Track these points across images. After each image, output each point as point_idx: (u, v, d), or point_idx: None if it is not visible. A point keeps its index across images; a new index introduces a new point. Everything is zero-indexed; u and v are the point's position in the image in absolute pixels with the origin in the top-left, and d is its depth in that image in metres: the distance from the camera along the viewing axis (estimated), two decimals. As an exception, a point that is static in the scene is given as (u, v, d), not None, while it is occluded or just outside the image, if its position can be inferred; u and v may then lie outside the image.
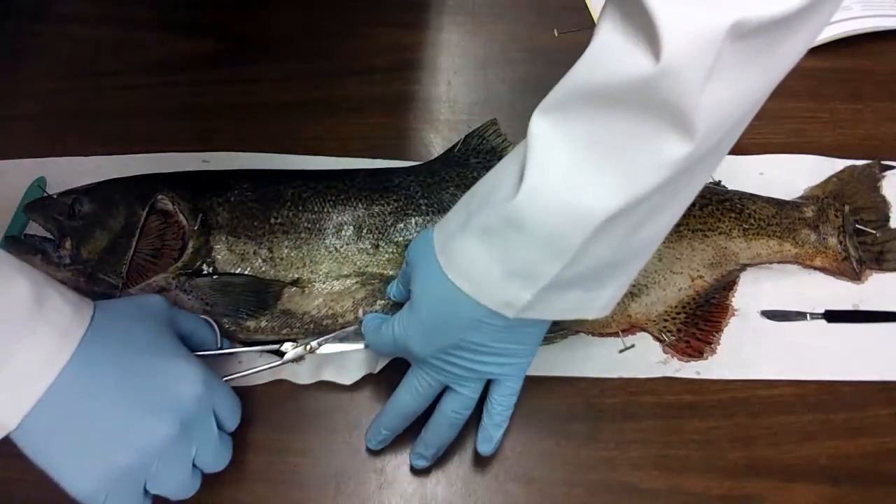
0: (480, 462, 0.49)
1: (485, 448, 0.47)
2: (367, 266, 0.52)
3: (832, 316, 0.55)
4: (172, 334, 0.43)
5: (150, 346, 0.41)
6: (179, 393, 0.39)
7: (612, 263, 0.39)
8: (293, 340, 0.51)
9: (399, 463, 0.49)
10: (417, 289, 0.43)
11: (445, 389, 0.46)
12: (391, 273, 0.51)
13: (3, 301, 0.36)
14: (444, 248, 0.42)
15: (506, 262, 0.39)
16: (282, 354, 0.50)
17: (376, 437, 0.48)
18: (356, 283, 0.51)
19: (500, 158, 0.56)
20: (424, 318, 0.43)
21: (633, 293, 0.53)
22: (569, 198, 0.36)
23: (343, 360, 0.52)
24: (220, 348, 0.49)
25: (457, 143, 0.57)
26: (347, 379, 0.51)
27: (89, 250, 0.51)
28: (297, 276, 0.51)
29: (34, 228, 0.55)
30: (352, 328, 0.50)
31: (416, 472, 0.49)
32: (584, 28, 0.70)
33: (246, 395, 0.50)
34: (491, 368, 0.44)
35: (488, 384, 0.46)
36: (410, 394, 0.46)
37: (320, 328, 0.51)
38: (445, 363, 0.43)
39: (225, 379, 0.47)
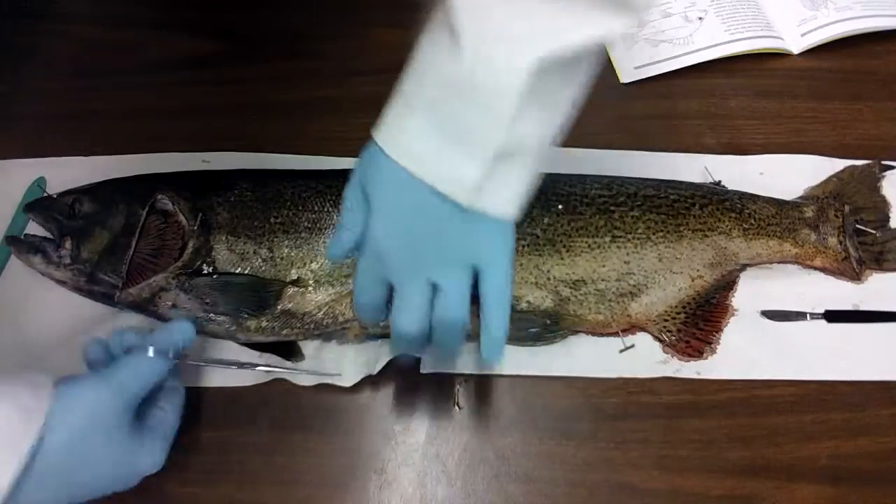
0: (480, 462, 0.49)
1: (490, 351, 0.42)
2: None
3: (832, 316, 0.55)
4: (131, 425, 0.42)
5: (105, 460, 0.40)
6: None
7: (529, 145, 0.40)
8: (291, 343, 0.51)
9: (399, 463, 0.49)
10: (378, 196, 0.41)
11: (435, 295, 0.42)
12: None
13: None
14: (390, 138, 0.40)
15: (451, 131, 0.38)
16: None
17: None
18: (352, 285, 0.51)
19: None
20: (392, 223, 0.41)
21: (632, 293, 0.53)
22: (510, 43, 0.36)
23: (342, 363, 0.52)
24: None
25: (457, 143, 0.57)
26: (347, 381, 0.51)
27: (89, 250, 0.51)
28: (297, 275, 0.51)
29: (34, 229, 0.56)
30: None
31: (416, 472, 0.49)
32: (584, 28, 0.70)
33: (247, 394, 0.50)
34: (471, 256, 0.41)
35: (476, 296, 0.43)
36: (407, 313, 0.42)
37: (321, 328, 0.51)
38: (427, 258, 0.41)
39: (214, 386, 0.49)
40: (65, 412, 0.38)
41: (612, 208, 0.54)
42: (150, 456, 0.42)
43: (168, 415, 0.44)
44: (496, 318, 0.42)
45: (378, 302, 0.44)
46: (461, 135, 0.38)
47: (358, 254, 0.43)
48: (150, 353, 0.43)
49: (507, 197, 0.40)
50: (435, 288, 0.42)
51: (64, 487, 0.38)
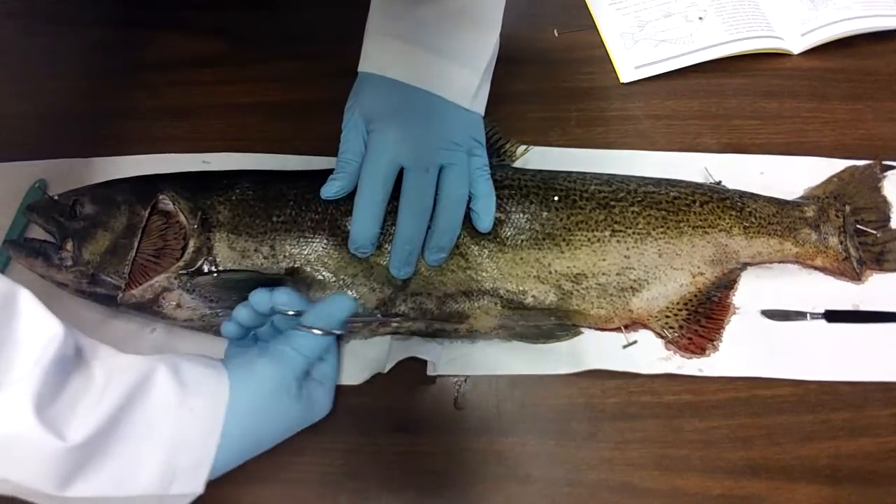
0: (480, 462, 0.49)
1: (485, 211, 0.51)
2: (371, 266, 0.52)
3: (832, 316, 0.55)
4: (300, 388, 0.45)
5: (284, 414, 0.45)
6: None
7: (495, 54, 0.55)
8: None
9: (399, 463, 0.49)
10: (386, 108, 0.51)
11: (441, 174, 0.50)
12: (392, 274, 0.51)
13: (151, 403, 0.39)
14: (384, 64, 0.52)
15: (446, 50, 0.51)
16: None
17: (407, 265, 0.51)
18: (360, 283, 0.51)
19: (499, 157, 0.57)
20: (410, 125, 0.50)
21: (633, 287, 0.53)
22: None
23: (352, 360, 0.52)
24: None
25: (457, 143, 0.57)
26: (357, 379, 0.51)
27: (91, 251, 0.51)
28: (293, 265, 0.51)
29: (34, 233, 0.55)
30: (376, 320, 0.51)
31: (416, 472, 0.49)
32: (584, 28, 0.70)
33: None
34: (467, 143, 0.52)
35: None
36: (419, 188, 0.50)
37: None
38: (440, 144, 0.51)
39: None
40: (241, 392, 0.42)
41: (611, 203, 0.54)
42: (320, 406, 0.47)
43: (328, 364, 0.49)
44: (484, 184, 0.52)
45: (386, 194, 0.50)
46: (457, 52, 0.52)
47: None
48: (316, 331, 0.45)
49: (485, 97, 0.55)
50: (440, 170, 0.50)
51: (247, 448, 0.43)
